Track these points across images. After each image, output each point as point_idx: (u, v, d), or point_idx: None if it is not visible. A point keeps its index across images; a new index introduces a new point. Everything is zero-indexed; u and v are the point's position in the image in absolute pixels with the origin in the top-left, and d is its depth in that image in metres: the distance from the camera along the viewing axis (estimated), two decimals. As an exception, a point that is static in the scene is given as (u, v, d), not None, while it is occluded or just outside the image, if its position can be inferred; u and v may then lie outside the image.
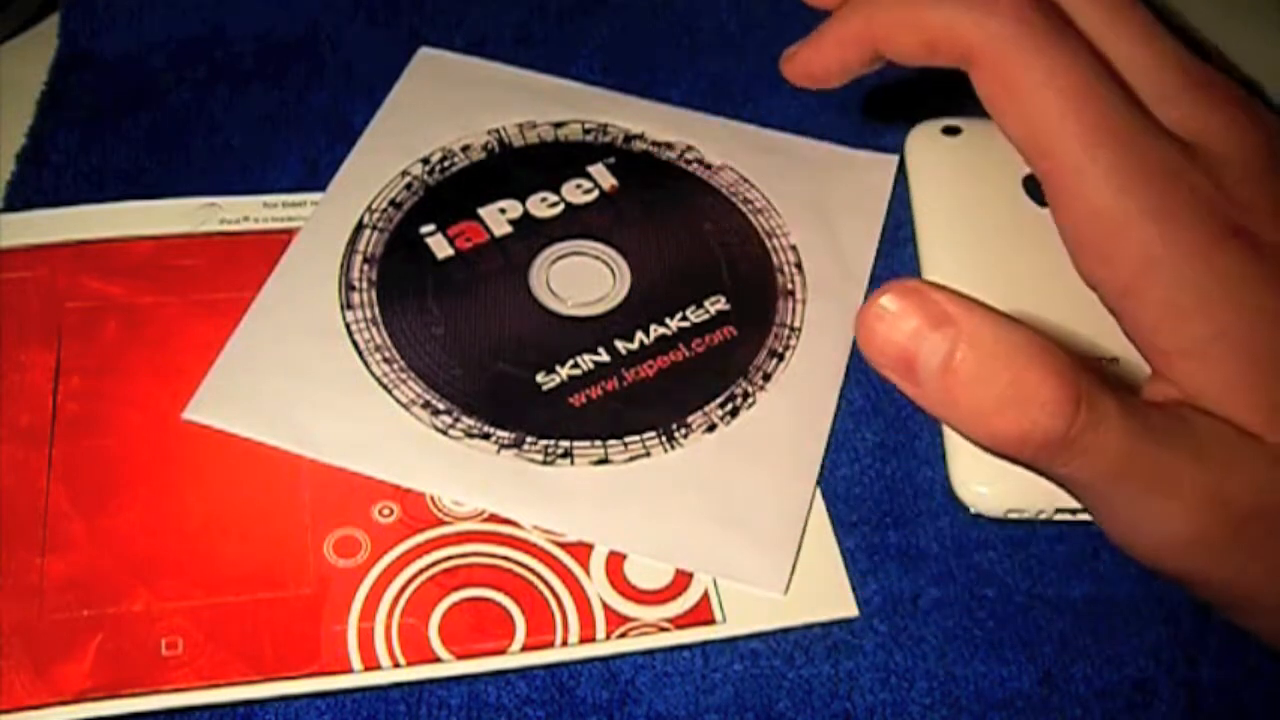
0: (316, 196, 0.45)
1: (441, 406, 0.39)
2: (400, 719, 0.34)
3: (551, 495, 0.38)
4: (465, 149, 0.46)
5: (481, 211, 0.44)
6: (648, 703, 0.35)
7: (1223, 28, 0.54)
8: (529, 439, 0.39)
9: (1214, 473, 0.29)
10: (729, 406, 0.40)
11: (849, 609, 0.37)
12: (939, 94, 0.49)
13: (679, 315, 0.42)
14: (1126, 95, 0.32)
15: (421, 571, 0.36)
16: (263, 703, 0.34)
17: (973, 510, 0.39)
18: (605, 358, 0.41)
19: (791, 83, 0.37)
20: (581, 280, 0.43)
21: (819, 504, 0.39)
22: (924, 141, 0.47)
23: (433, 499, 0.38)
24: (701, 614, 0.36)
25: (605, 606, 0.36)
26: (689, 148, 0.47)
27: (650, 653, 0.36)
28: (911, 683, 0.36)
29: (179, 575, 0.36)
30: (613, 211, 0.45)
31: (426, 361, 0.40)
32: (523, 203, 0.45)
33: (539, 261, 0.43)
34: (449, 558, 0.37)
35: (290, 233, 0.43)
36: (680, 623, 0.36)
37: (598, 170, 0.46)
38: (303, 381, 0.40)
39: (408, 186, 0.45)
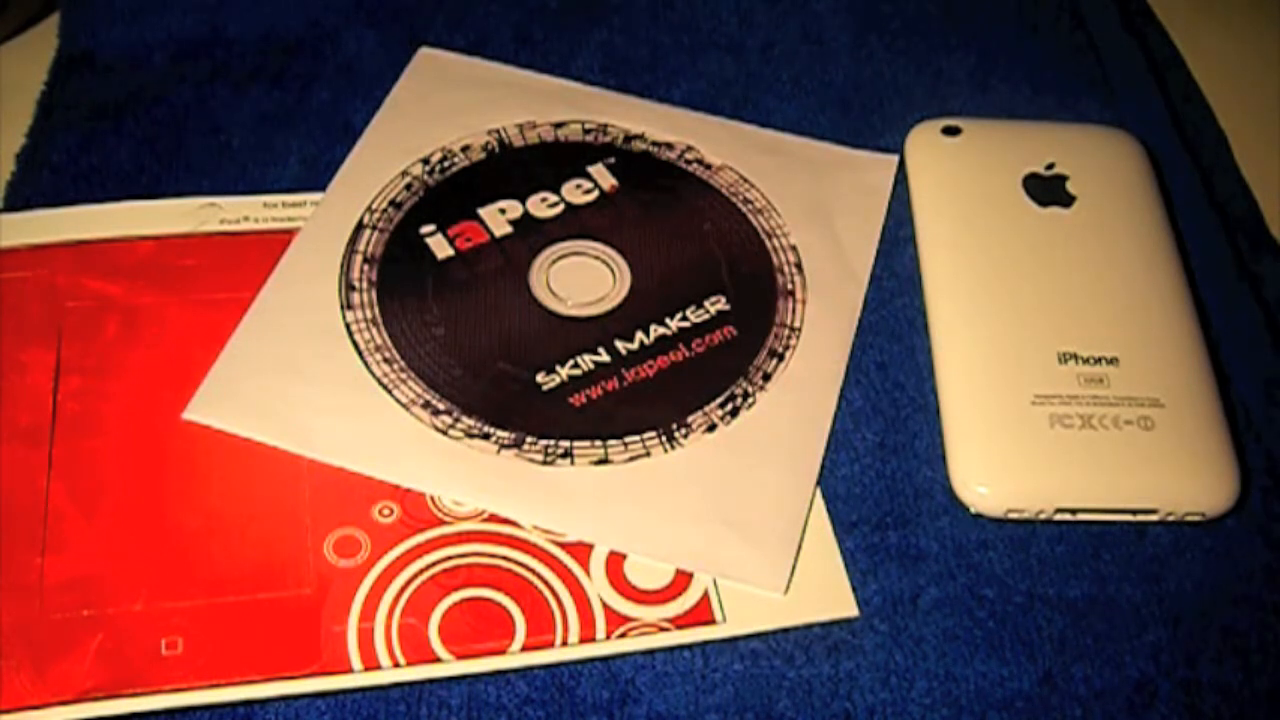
0: (316, 196, 0.45)
1: (441, 406, 0.39)
2: (400, 719, 0.34)
3: (551, 495, 0.38)
4: (465, 149, 0.46)
5: (481, 211, 0.44)
6: (648, 703, 0.35)
7: (1208, 30, 0.54)
8: (529, 439, 0.39)
9: None
10: (729, 406, 0.40)
11: (849, 609, 0.37)
12: (939, 94, 0.50)
13: (679, 315, 0.42)
14: None
15: (421, 571, 0.36)
16: (263, 703, 0.34)
17: (973, 510, 0.38)
18: (605, 358, 0.41)
19: None
20: (581, 280, 0.43)
21: (819, 504, 0.39)
22: (924, 141, 0.46)
23: (433, 499, 0.38)
24: (701, 614, 0.36)
25: (605, 606, 0.36)
26: (689, 148, 0.47)
27: (650, 653, 0.36)
28: (911, 683, 0.36)
29: (179, 575, 0.36)
30: (613, 211, 0.45)
31: (426, 361, 0.40)
32: (523, 203, 0.45)
33: (539, 261, 0.43)
34: (449, 558, 0.37)
35: (290, 233, 0.43)
36: (680, 623, 0.36)
37: (598, 170, 0.46)
38: (303, 381, 0.40)
39: (408, 186, 0.45)
